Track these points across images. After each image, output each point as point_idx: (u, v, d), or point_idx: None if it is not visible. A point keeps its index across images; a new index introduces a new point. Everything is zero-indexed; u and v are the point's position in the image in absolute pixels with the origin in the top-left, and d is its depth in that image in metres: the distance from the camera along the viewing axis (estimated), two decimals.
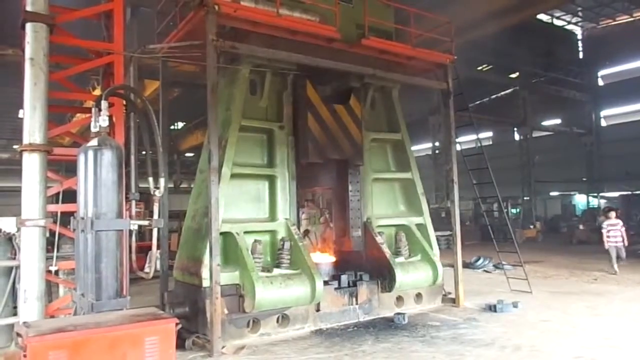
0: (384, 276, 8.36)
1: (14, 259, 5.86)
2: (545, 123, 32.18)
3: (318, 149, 8.22)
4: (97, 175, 4.63)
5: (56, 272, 6.28)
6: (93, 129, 4.99)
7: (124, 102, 6.40)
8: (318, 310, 7.70)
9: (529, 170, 28.81)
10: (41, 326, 3.85)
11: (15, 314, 5.80)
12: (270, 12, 7.49)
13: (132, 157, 7.06)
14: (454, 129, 9.77)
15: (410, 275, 8.48)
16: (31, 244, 5.53)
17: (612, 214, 13.40)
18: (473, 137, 12.38)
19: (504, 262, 11.66)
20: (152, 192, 5.49)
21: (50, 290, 6.59)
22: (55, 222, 6.09)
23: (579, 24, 32.06)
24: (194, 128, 26.65)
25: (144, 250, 6.78)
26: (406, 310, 8.47)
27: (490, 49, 24.77)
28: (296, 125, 8.34)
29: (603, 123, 32.31)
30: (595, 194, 31.18)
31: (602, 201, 30.22)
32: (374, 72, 8.72)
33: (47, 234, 5.82)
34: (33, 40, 5.68)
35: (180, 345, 6.33)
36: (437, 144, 28.17)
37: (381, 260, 8.44)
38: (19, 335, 3.73)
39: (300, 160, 8.25)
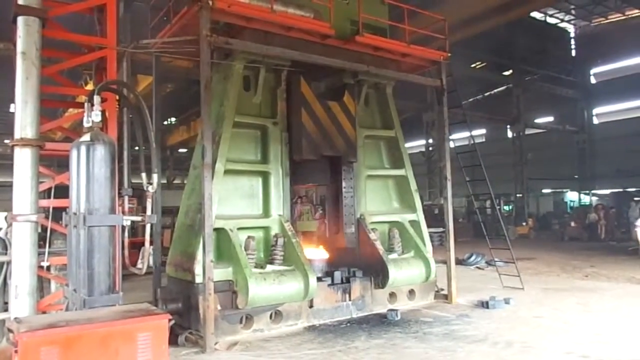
0: (377, 273, 8.37)
1: (5, 254, 5.82)
2: (538, 120, 32.34)
3: (312, 145, 8.21)
4: (89, 171, 4.59)
5: (48, 268, 6.23)
6: (85, 124, 4.94)
7: (117, 97, 6.36)
8: (311, 306, 7.71)
9: (522, 168, 28.97)
10: (33, 322, 3.82)
11: (6, 310, 5.75)
12: (264, 8, 7.46)
13: (125, 153, 7.02)
14: (448, 126, 9.80)
15: (403, 272, 8.49)
16: (23, 239, 5.49)
17: None
18: (466, 134, 12.45)
19: (496, 259, 11.72)
20: (145, 188, 5.46)
21: (42, 286, 6.53)
22: (47, 217, 6.04)
23: (572, 22, 32.21)
24: (179, 124, 26.40)
25: (136, 246, 6.76)
26: (399, 306, 8.50)
27: (484, 46, 24.86)
28: (290, 122, 8.32)
29: (595, 121, 32.53)
30: (587, 191, 31.41)
31: (594, 198, 30.44)
32: (367, 69, 8.72)
33: (39, 230, 5.78)
34: (25, 34, 5.62)
35: (173, 341, 6.33)
36: (430, 141, 28.30)
37: (374, 256, 8.46)
38: (10, 331, 3.70)
39: (293, 156, 8.24)
